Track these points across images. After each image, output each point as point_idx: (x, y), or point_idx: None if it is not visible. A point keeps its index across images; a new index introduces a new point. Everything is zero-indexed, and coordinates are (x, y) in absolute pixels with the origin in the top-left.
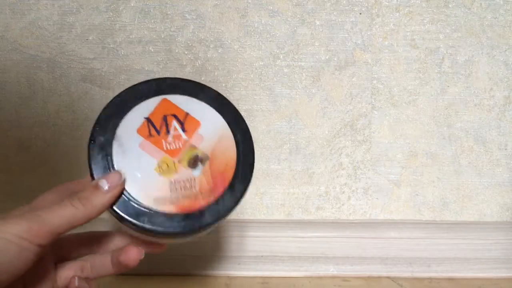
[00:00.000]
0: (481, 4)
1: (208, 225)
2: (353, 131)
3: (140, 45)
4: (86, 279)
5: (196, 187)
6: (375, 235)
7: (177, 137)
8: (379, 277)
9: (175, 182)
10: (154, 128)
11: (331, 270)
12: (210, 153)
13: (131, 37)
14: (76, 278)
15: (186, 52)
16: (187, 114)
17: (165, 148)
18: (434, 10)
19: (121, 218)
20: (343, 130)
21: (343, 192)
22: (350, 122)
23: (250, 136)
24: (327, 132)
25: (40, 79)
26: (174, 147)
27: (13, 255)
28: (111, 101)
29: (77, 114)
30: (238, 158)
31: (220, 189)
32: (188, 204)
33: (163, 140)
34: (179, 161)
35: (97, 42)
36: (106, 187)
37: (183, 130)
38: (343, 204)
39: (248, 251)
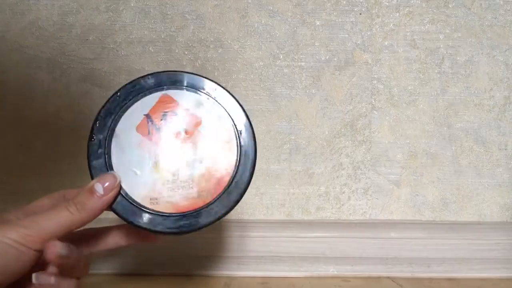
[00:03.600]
0: (481, 4)
1: (205, 226)
2: (353, 131)
3: (140, 45)
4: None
5: (194, 187)
6: (375, 235)
7: (177, 135)
8: (379, 277)
9: (172, 181)
10: (153, 126)
11: (331, 270)
12: (210, 152)
13: (131, 37)
14: (34, 274)
15: (186, 52)
16: (187, 110)
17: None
18: (434, 10)
19: (117, 215)
20: (343, 130)
21: (343, 192)
22: (350, 122)
23: (253, 134)
24: (327, 132)
25: (40, 79)
26: (173, 146)
27: (12, 258)
28: (111, 97)
29: (77, 114)
30: (239, 158)
31: (218, 190)
32: (185, 205)
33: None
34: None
35: (97, 42)
36: (101, 191)
37: (184, 128)
38: (343, 204)
39: (248, 251)
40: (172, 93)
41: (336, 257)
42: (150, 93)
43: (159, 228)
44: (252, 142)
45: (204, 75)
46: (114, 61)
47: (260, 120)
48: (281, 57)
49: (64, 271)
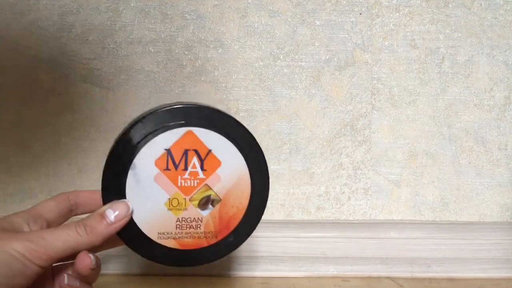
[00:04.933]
0: (481, 4)
1: (205, 263)
2: (353, 131)
3: (140, 45)
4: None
5: (202, 227)
6: (375, 235)
7: (194, 174)
8: (379, 277)
9: (182, 219)
10: (172, 162)
11: (331, 270)
12: (223, 196)
13: (131, 37)
14: (66, 275)
15: (186, 52)
16: (209, 151)
17: (179, 185)
18: (434, 10)
19: (123, 242)
20: (343, 130)
21: (343, 192)
22: (350, 122)
23: (268, 187)
24: (327, 132)
25: (40, 79)
26: (189, 184)
27: (16, 270)
28: (132, 126)
29: (77, 114)
30: (249, 205)
31: (224, 233)
32: (190, 243)
33: (179, 176)
34: (191, 199)
35: (97, 42)
36: (112, 219)
37: (202, 168)
38: (343, 204)
39: (248, 251)
40: (197, 131)
41: (336, 257)
42: (175, 127)
43: (161, 261)
44: (266, 192)
45: (235, 118)
46: (114, 61)
47: (260, 120)
48: (281, 57)
49: (84, 278)
